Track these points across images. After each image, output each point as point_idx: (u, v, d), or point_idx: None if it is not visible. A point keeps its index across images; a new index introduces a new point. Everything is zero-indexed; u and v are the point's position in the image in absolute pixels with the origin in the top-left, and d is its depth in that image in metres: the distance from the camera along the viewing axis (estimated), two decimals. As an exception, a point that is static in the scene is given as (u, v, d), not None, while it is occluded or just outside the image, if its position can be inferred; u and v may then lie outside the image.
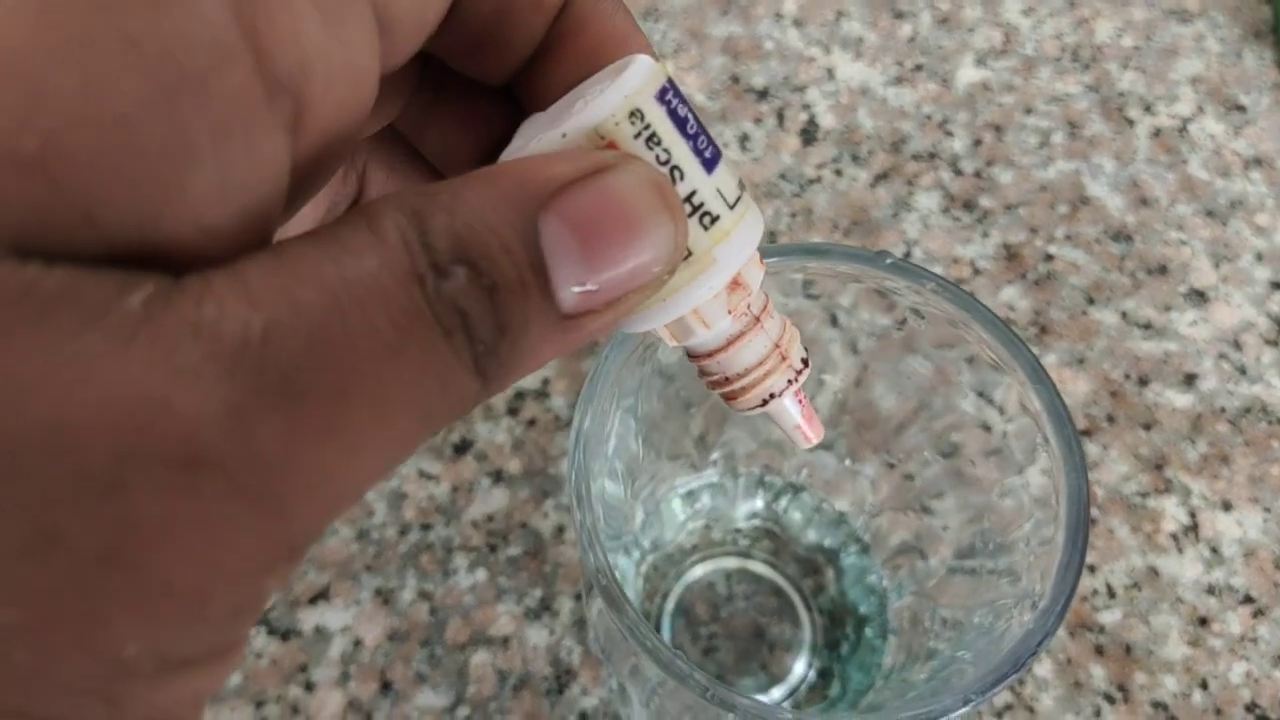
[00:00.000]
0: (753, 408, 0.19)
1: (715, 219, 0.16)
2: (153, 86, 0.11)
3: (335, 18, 0.13)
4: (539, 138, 0.15)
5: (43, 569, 0.11)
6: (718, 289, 0.16)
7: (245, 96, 0.12)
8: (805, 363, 0.19)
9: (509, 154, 0.16)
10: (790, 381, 0.19)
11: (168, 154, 0.11)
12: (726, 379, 0.19)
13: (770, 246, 0.25)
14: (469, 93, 0.18)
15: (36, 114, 0.10)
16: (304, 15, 0.12)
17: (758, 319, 0.18)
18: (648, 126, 0.15)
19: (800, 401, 0.20)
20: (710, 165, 0.16)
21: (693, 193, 0.16)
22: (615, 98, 0.15)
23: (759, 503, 0.35)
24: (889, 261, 0.25)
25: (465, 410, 0.14)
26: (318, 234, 0.13)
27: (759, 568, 0.34)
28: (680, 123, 0.15)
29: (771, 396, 0.19)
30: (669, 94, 0.15)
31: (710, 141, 0.16)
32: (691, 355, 0.19)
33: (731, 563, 0.34)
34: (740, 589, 0.34)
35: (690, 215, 0.16)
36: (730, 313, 0.17)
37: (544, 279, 0.13)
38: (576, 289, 0.13)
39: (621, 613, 0.21)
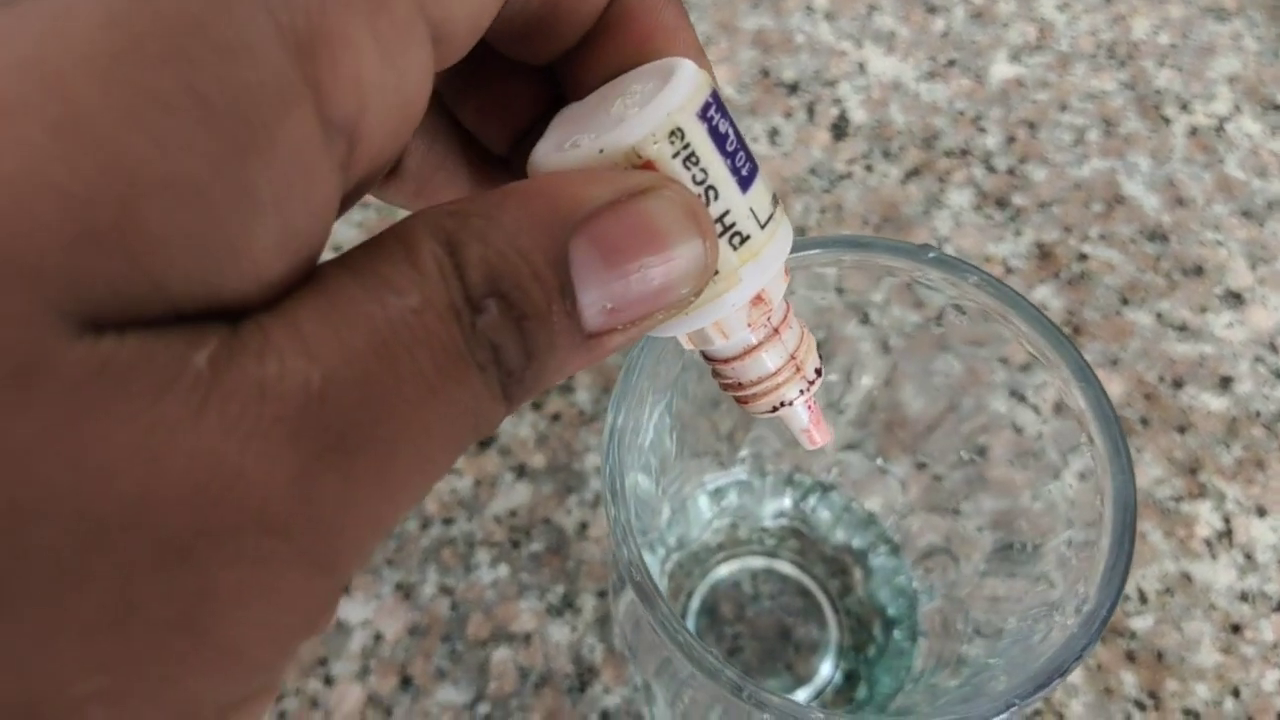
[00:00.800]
0: (763, 412, 0.19)
1: (746, 239, 0.16)
2: (222, 144, 0.11)
3: (394, 49, 0.13)
4: (575, 146, 0.15)
5: (124, 640, 0.11)
6: (741, 305, 0.16)
7: (307, 146, 0.12)
8: (819, 372, 0.19)
9: (542, 154, 0.16)
10: (802, 391, 0.19)
11: (235, 213, 0.11)
12: (740, 384, 0.19)
13: (811, 239, 0.24)
14: (511, 70, 0.18)
15: (113, 182, 0.10)
16: (364, 53, 0.12)
17: (776, 330, 0.18)
18: (687, 145, 0.15)
19: (810, 408, 0.20)
20: (747, 183, 0.16)
21: (725, 213, 0.15)
22: (657, 115, 0.15)
23: (786, 501, 0.34)
24: (931, 255, 0.24)
25: (490, 433, 0.14)
26: (359, 267, 0.13)
27: (785, 567, 0.34)
28: (720, 140, 0.15)
29: (783, 404, 0.19)
30: (711, 109, 0.15)
31: (748, 157, 0.16)
32: (708, 358, 0.19)
33: (758, 562, 0.34)
34: (766, 588, 0.34)
35: (721, 235, 0.16)
36: (750, 325, 0.17)
37: (571, 301, 0.13)
38: (603, 309, 0.14)
39: (654, 607, 0.21)
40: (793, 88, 0.45)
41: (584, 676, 0.34)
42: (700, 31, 0.46)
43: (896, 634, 0.32)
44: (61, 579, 0.11)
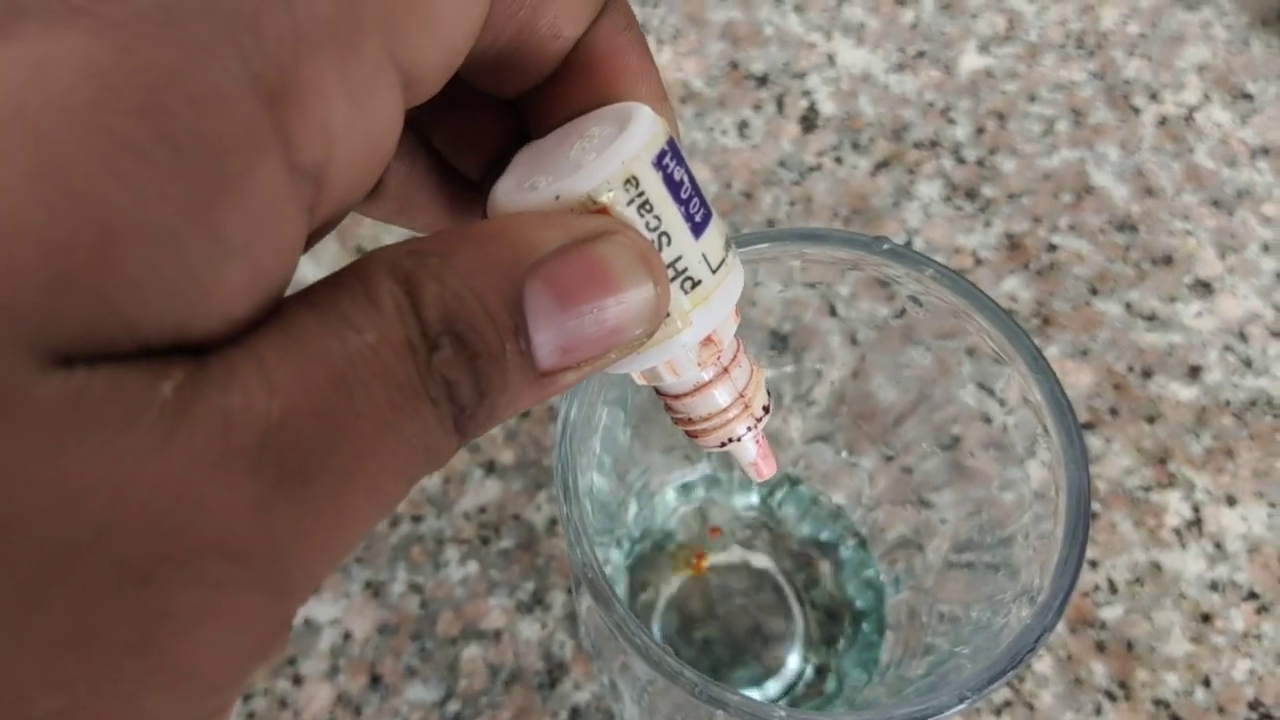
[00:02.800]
0: (713, 447, 0.20)
1: (697, 283, 0.16)
2: (195, 192, 0.12)
3: (363, 94, 0.13)
4: (533, 188, 0.15)
5: (83, 660, 0.11)
6: (691, 345, 0.16)
7: (274, 192, 0.12)
8: (766, 410, 0.20)
9: (502, 193, 0.16)
10: (750, 428, 0.19)
11: (205, 258, 0.12)
12: (690, 419, 0.19)
13: (766, 231, 0.24)
14: (481, 101, 0.19)
15: (89, 228, 0.11)
16: (334, 100, 0.13)
17: (726, 369, 0.18)
18: (641, 193, 0.15)
19: (758, 443, 0.20)
20: (700, 230, 0.16)
21: (678, 258, 0.16)
22: (613, 163, 0.15)
23: (754, 496, 0.34)
24: (886, 247, 0.24)
25: (440, 465, 0.14)
26: (320, 303, 0.13)
27: (753, 561, 0.34)
28: (674, 188, 0.15)
29: (731, 440, 0.19)
30: (667, 157, 0.15)
31: (703, 204, 0.16)
32: (660, 393, 0.19)
33: (728, 557, 0.34)
34: (735, 583, 0.34)
35: (673, 279, 0.16)
36: (700, 364, 0.17)
37: (525, 340, 0.14)
38: (555, 349, 0.14)
39: (609, 609, 0.21)
40: (762, 80, 0.45)
41: (554, 673, 0.34)
42: (669, 24, 0.46)
43: (865, 627, 0.32)
44: (25, 599, 0.11)
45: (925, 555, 0.31)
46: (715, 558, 0.34)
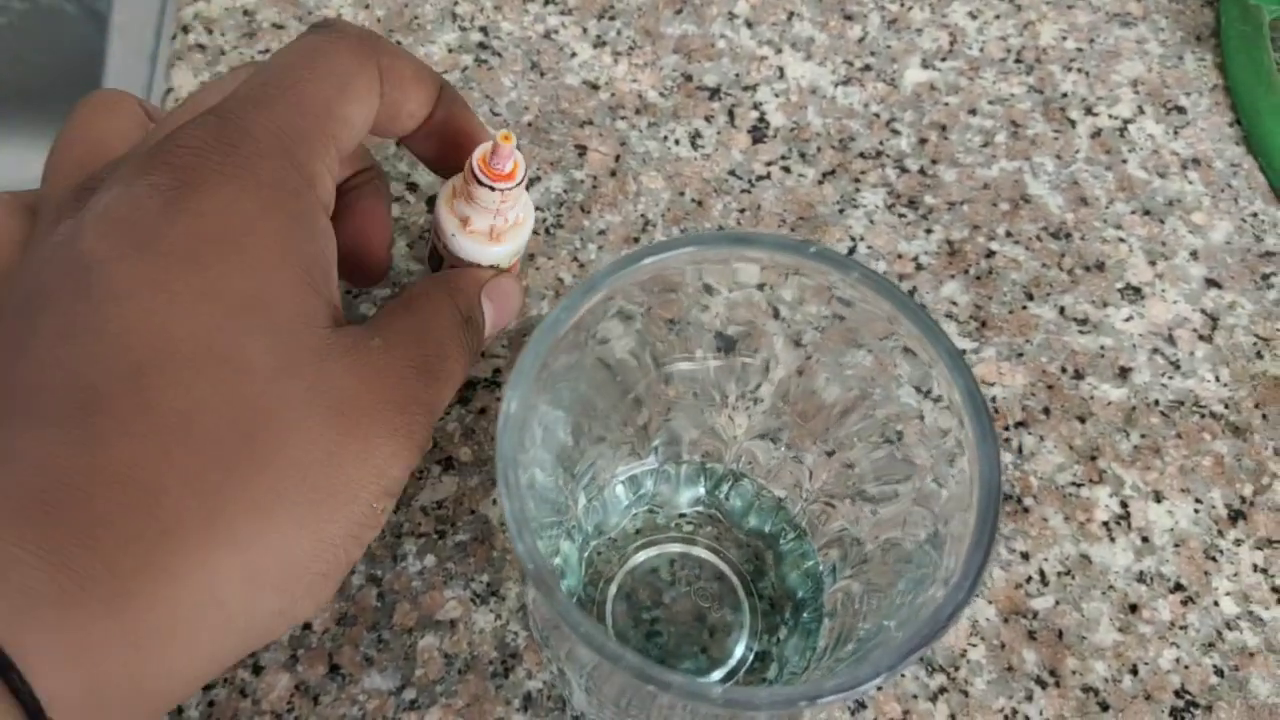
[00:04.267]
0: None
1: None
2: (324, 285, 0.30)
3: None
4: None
5: (353, 428, 0.27)
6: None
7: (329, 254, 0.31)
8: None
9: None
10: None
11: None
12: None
13: (701, 235, 0.26)
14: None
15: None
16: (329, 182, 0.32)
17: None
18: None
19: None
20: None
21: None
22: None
23: (701, 489, 0.35)
24: (813, 250, 0.26)
25: (474, 364, 0.36)
26: (412, 305, 0.32)
27: (701, 553, 0.35)
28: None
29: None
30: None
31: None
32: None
33: (675, 548, 0.35)
34: (683, 574, 0.35)
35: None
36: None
37: (483, 317, 0.34)
38: (492, 323, 0.34)
39: (551, 597, 0.22)
40: (714, 92, 0.46)
41: (508, 662, 0.35)
42: (625, 37, 0.47)
43: (805, 615, 0.33)
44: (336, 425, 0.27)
45: (861, 545, 0.32)
46: (665, 549, 0.35)
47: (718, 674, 0.34)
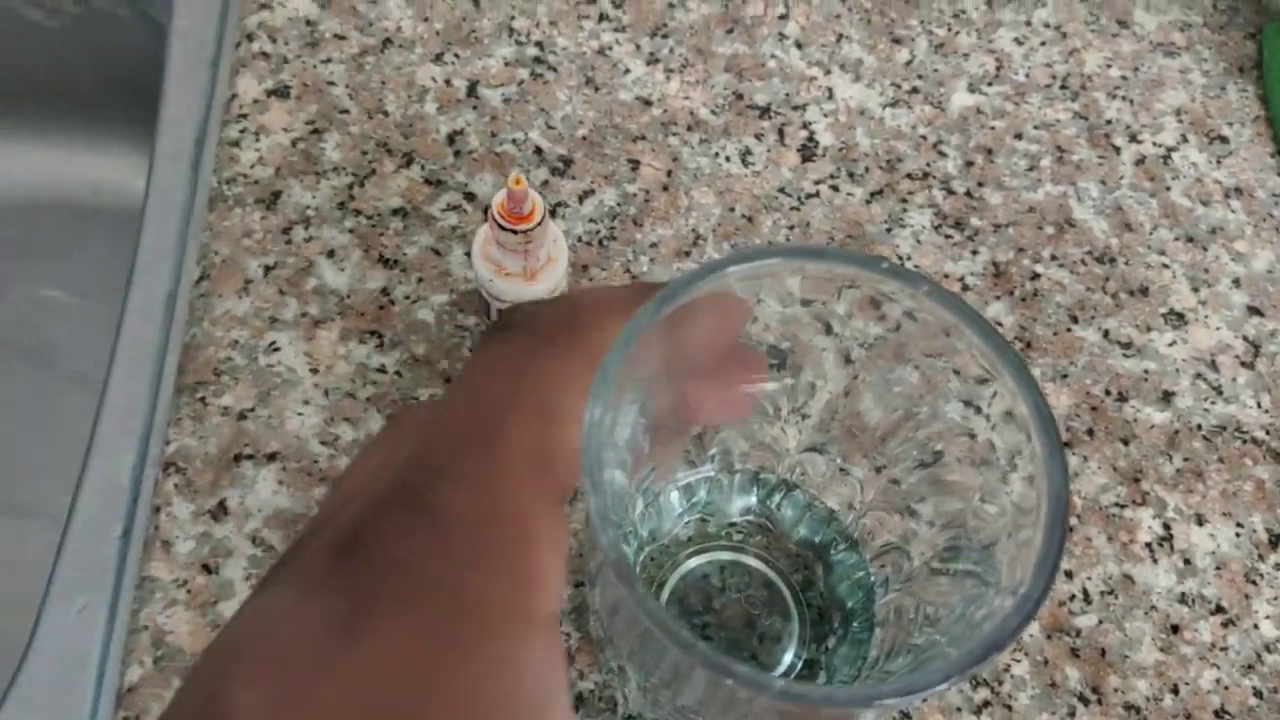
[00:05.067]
0: None
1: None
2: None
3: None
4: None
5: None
6: None
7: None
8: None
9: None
10: None
11: None
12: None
13: (770, 248, 0.26)
14: None
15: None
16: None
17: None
18: None
19: None
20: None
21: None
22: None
23: (753, 499, 0.36)
24: (885, 265, 0.26)
25: None
26: None
27: (752, 561, 0.36)
28: None
29: None
30: None
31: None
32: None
33: (726, 555, 0.36)
34: (733, 581, 0.35)
35: None
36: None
37: None
38: None
39: (633, 587, 0.22)
40: (764, 111, 0.47)
41: (558, 665, 0.35)
42: (678, 55, 0.48)
43: (855, 625, 0.34)
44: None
45: (911, 560, 0.33)
46: (716, 556, 0.36)
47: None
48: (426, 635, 0.20)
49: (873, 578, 0.34)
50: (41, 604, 0.41)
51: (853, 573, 0.35)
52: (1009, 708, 0.36)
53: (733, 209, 0.44)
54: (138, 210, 0.71)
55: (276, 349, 0.40)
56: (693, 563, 0.36)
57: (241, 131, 0.44)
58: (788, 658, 0.35)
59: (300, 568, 0.21)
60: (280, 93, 0.45)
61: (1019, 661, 0.37)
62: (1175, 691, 0.37)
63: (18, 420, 0.69)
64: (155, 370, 0.41)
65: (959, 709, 0.36)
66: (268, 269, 0.41)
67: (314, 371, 0.39)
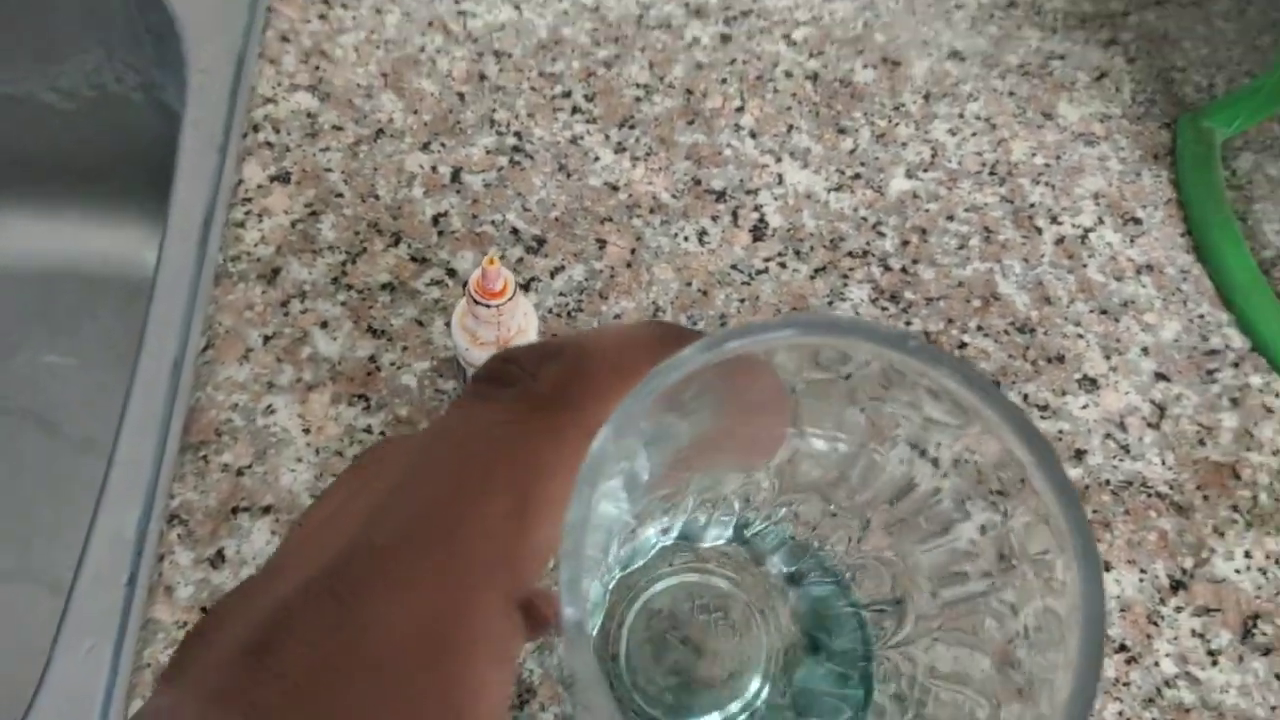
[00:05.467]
0: None
1: None
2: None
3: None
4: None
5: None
6: None
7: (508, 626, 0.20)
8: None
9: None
10: None
11: None
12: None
13: (803, 318, 0.24)
14: None
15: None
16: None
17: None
18: None
19: None
20: None
21: None
22: None
23: (730, 531, 0.36)
24: (912, 344, 0.24)
25: None
26: None
27: (720, 583, 0.36)
28: None
29: None
30: None
31: None
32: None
33: (693, 577, 0.36)
34: (701, 602, 0.36)
35: None
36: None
37: None
38: None
39: (598, 693, 0.20)
40: (720, 195, 0.52)
41: (523, 696, 0.39)
42: (643, 144, 0.53)
43: (833, 664, 0.34)
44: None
45: (906, 621, 0.31)
46: (685, 578, 0.38)
47: (735, 705, 0.36)
48: None
49: (864, 618, 0.33)
50: (52, 646, 0.45)
51: (829, 606, 0.34)
52: (929, 736, 0.40)
53: (689, 284, 0.49)
54: (144, 280, 0.76)
55: (273, 411, 0.44)
56: (660, 585, 0.36)
57: (246, 213, 0.49)
58: (754, 684, 0.36)
59: (204, 661, 0.19)
60: (282, 178, 0.50)
61: (939, 694, 0.41)
62: (1081, 722, 0.41)
63: (16, 482, 0.73)
64: (161, 431, 0.45)
65: None
66: (267, 339, 0.46)
67: (306, 431, 0.44)
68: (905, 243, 0.51)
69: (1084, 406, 0.47)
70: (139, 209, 0.77)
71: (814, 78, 0.56)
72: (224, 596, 0.20)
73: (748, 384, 0.25)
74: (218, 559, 0.41)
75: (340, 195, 0.50)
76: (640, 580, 0.36)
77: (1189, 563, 0.44)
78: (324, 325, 0.46)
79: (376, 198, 0.50)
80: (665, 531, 0.36)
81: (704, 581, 0.36)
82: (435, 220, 0.49)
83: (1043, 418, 0.47)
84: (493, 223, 0.50)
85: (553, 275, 0.48)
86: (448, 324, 0.47)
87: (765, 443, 0.27)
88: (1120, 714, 0.41)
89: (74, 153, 0.73)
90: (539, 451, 0.20)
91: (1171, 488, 0.46)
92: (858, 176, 0.53)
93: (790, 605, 0.35)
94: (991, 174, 0.54)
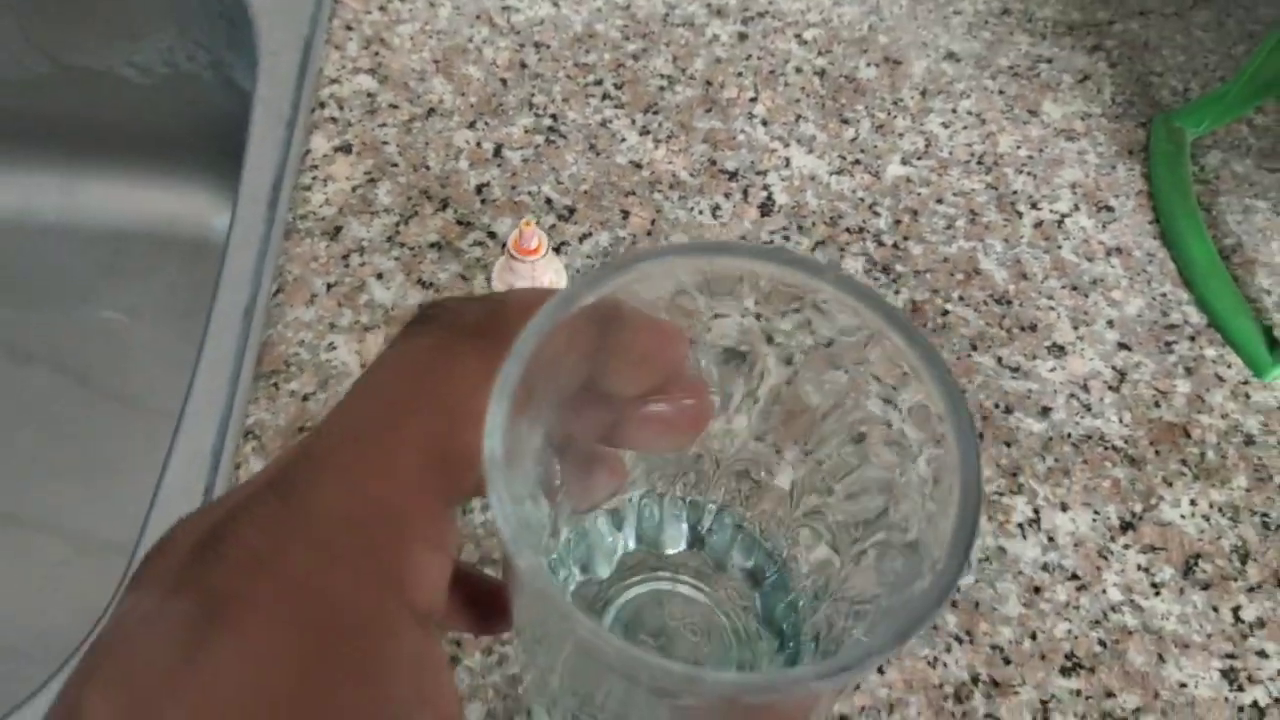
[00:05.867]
0: None
1: None
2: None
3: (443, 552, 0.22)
4: None
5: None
6: None
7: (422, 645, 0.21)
8: None
9: None
10: None
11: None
12: None
13: (675, 246, 0.27)
14: None
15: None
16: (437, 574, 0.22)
17: None
18: None
19: None
20: None
21: None
22: None
23: (684, 526, 0.36)
24: (785, 256, 0.26)
25: None
26: None
27: (686, 590, 0.35)
28: None
29: None
30: None
31: None
32: None
33: (661, 585, 0.35)
34: (669, 609, 0.35)
35: None
36: None
37: None
38: None
39: (552, 596, 0.20)
40: (733, 174, 0.58)
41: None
42: (665, 128, 0.59)
43: (789, 648, 0.34)
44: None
45: (837, 564, 0.32)
46: (653, 586, 0.35)
47: None
48: (283, 639, 0.18)
49: (802, 601, 0.34)
50: (134, 553, 0.51)
51: (783, 597, 0.35)
52: (899, 644, 0.46)
53: (702, 252, 0.55)
54: (208, 242, 0.83)
55: (334, 348, 0.50)
56: (628, 595, 0.35)
57: (313, 179, 0.55)
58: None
59: (161, 564, 0.20)
60: (344, 149, 0.56)
61: (909, 609, 0.47)
62: (1034, 638, 0.46)
63: (48, 434, 0.78)
64: (236, 362, 0.52)
65: (859, 642, 0.46)
66: (329, 286, 0.52)
67: (362, 366, 0.50)
68: (898, 221, 0.57)
69: (1052, 369, 0.53)
70: (205, 177, 0.84)
71: (821, 73, 0.62)
72: (180, 518, 0.21)
73: (665, 353, 0.25)
74: (284, 473, 0.47)
75: (395, 165, 0.56)
76: (608, 591, 0.35)
77: (1139, 507, 0.50)
78: (379, 276, 0.53)
79: (427, 168, 0.56)
80: (617, 526, 0.36)
81: (672, 589, 0.36)
82: (479, 189, 0.56)
83: (1013, 378, 0.53)
84: (529, 193, 0.56)
85: (581, 240, 0.55)
86: (488, 279, 0.53)
87: (686, 417, 0.27)
88: (1069, 632, 0.47)
89: (148, 124, 0.80)
90: (464, 370, 0.21)
91: (1127, 442, 0.52)
92: (857, 162, 0.59)
93: (754, 603, 0.35)
94: (979, 163, 0.60)
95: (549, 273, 0.48)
